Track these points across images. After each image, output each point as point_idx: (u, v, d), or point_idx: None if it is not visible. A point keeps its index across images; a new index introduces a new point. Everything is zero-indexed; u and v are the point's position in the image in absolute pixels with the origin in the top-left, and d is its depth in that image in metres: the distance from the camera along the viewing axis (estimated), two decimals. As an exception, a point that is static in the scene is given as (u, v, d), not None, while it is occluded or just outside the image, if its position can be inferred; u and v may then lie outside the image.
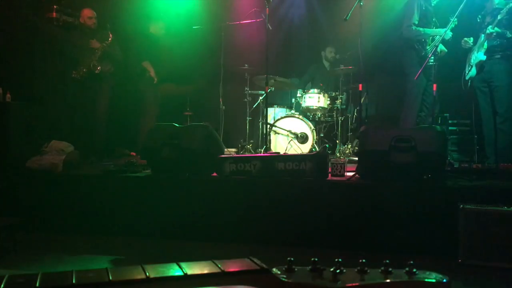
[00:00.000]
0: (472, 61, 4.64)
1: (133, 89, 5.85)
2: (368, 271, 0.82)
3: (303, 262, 0.85)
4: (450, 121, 5.65)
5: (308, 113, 5.81)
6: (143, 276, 0.77)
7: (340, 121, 5.88)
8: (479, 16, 4.77)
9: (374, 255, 2.83)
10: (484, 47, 4.50)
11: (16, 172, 4.04)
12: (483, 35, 4.55)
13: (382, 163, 3.36)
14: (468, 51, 4.76)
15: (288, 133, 5.57)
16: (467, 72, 4.71)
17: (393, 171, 3.34)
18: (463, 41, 4.75)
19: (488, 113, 4.68)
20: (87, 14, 5.41)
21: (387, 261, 0.82)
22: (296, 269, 0.83)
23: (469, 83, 4.71)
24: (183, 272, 0.80)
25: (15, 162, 4.22)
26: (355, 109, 6.02)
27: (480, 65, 4.56)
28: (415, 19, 4.77)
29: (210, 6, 6.50)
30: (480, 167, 3.99)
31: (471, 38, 4.71)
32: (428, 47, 4.79)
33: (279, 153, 4.98)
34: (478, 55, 4.55)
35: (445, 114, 5.64)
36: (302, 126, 5.52)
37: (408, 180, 3.32)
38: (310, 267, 0.82)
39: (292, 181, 3.46)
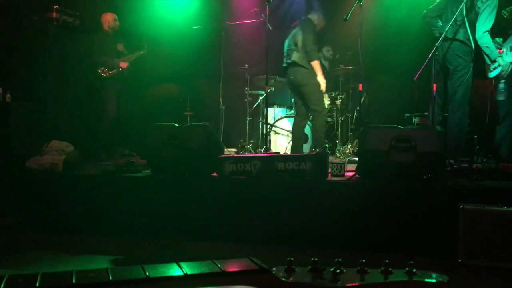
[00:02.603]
0: (500, 61, 4.36)
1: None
2: (368, 271, 0.82)
3: (303, 262, 0.85)
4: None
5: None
6: (143, 276, 0.77)
7: (340, 121, 5.87)
8: (505, 13, 4.50)
9: (374, 255, 2.83)
10: None
11: (16, 172, 4.04)
12: None
13: (382, 163, 3.36)
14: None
15: (288, 133, 5.56)
16: (492, 69, 4.44)
17: (393, 171, 3.34)
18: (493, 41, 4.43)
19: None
20: (112, 17, 5.50)
21: (387, 261, 0.82)
22: (296, 269, 0.83)
23: (493, 81, 4.56)
24: (183, 272, 0.80)
25: (15, 162, 4.22)
26: (355, 109, 6.02)
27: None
28: (491, 24, 4.11)
29: (210, 6, 6.50)
30: (480, 167, 3.98)
31: (501, 39, 4.48)
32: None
33: (279, 153, 4.97)
34: (509, 56, 4.32)
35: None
36: (302, 126, 5.51)
37: (408, 180, 3.32)
38: (310, 267, 0.82)
39: (292, 181, 3.46)
